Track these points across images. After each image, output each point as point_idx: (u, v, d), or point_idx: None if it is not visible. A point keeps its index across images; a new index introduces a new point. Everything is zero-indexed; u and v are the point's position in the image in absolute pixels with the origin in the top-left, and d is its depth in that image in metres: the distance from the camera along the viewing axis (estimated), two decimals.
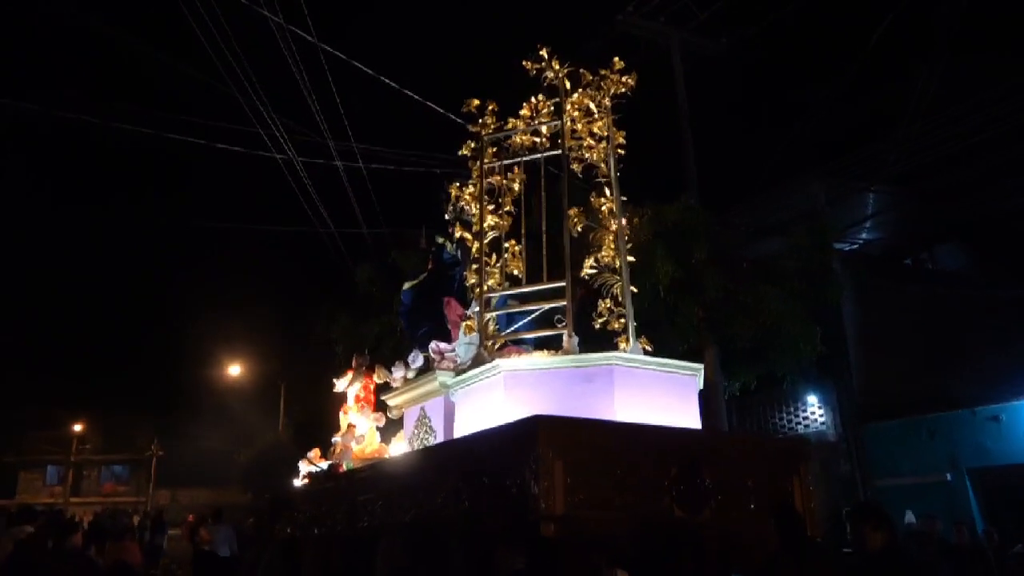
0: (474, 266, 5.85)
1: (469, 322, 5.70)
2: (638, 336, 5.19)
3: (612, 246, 5.42)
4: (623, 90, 5.71)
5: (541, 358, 4.96)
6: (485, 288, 5.64)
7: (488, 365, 4.96)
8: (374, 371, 6.89)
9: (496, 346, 5.49)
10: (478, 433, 4.51)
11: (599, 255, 5.43)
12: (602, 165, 5.64)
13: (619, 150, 5.70)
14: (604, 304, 5.30)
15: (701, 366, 5.12)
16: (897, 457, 14.36)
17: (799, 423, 16.77)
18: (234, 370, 30.80)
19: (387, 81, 11.67)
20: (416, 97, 11.84)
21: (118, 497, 37.64)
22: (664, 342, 9.79)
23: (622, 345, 5.14)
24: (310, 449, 6.95)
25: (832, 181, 15.10)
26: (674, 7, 13.06)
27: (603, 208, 5.55)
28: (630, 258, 5.47)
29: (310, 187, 13.25)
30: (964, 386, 13.44)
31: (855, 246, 16.37)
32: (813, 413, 16.46)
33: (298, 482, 6.79)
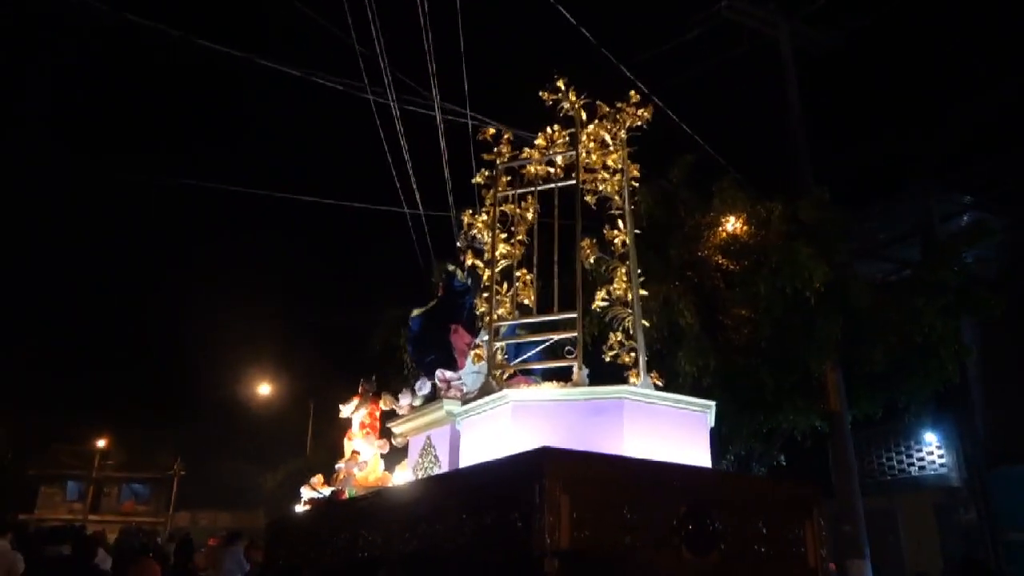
0: (484, 294, 5.81)
1: (477, 351, 5.64)
2: (649, 371, 5.13)
3: (624, 279, 5.38)
4: (639, 123, 5.71)
5: (550, 389, 4.89)
6: (495, 317, 5.59)
7: (496, 395, 4.89)
8: (380, 397, 6.82)
9: (504, 376, 5.43)
10: (483, 464, 4.42)
11: (611, 287, 5.40)
12: (616, 197, 5.63)
13: (633, 183, 5.69)
14: (615, 337, 5.25)
15: (713, 403, 5.02)
16: None
17: (912, 464, 15.24)
18: (264, 388, 29.88)
19: (563, 12, 9.94)
20: (589, 36, 10.11)
21: (137, 516, 37.15)
22: (798, 359, 8.70)
23: (632, 379, 5.08)
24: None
25: (943, 196, 13.89)
26: None
27: (616, 240, 5.53)
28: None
29: (403, 144, 10.65)
30: None
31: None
32: (931, 453, 14.94)
33: (299, 508, 6.69)
